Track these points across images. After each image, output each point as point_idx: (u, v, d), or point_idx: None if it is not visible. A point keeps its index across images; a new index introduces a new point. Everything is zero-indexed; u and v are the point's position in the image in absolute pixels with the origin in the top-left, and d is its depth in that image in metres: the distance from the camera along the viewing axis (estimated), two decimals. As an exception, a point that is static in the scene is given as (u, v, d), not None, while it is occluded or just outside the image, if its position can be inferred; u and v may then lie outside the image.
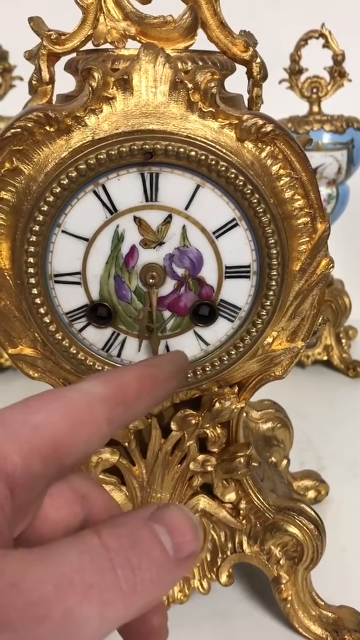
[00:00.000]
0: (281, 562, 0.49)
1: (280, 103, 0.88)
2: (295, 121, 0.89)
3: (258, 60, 0.40)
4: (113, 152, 0.35)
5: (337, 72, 0.89)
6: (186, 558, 0.23)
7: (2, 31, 0.92)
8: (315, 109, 0.90)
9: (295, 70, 0.91)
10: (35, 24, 0.40)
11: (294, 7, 1.11)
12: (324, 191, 0.89)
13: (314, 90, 0.90)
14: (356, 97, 0.93)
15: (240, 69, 0.42)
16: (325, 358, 0.98)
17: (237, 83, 0.44)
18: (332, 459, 0.73)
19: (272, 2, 1.14)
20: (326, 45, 0.88)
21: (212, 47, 0.40)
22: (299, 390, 0.88)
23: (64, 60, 0.41)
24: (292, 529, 0.48)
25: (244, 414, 0.49)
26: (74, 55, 0.40)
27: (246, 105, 0.43)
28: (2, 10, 1.01)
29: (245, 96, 0.43)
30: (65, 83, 0.42)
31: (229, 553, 0.50)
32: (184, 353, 0.39)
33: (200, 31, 0.39)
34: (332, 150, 0.86)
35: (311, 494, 0.64)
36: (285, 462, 0.61)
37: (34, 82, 0.40)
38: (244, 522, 0.49)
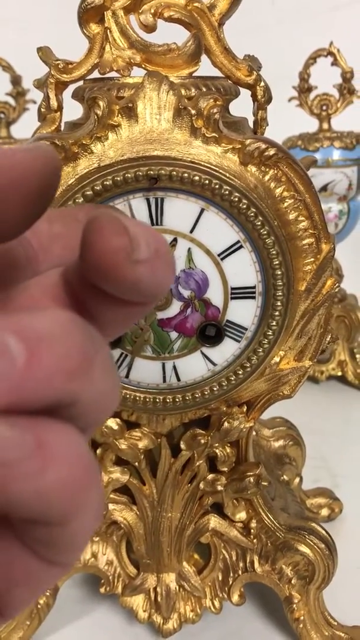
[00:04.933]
0: (293, 581, 0.48)
1: (290, 121, 0.89)
2: (305, 138, 0.89)
3: (262, 83, 0.41)
4: (119, 178, 0.35)
5: (347, 89, 0.89)
6: None
7: (15, 56, 0.94)
8: (325, 126, 0.91)
9: (304, 88, 0.92)
10: (44, 53, 0.41)
11: (302, 25, 1.13)
12: (335, 207, 0.90)
13: (324, 107, 0.91)
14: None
15: (245, 92, 0.43)
16: (339, 374, 0.98)
17: (242, 105, 0.45)
18: (345, 477, 0.72)
19: (279, 21, 1.15)
20: (335, 63, 0.89)
21: (217, 72, 0.41)
22: (312, 406, 0.88)
23: (71, 87, 0.42)
24: (303, 548, 0.47)
25: (254, 433, 0.49)
26: (81, 83, 0.41)
27: (251, 127, 0.43)
28: (16, 37, 1.03)
29: (251, 119, 0.44)
30: (73, 109, 0.43)
31: (240, 572, 0.49)
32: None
33: (204, 56, 0.40)
34: (343, 167, 0.87)
35: (324, 512, 0.64)
36: (297, 480, 0.61)
37: (42, 109, 0.41)
38: (255, 541, 0.49)
